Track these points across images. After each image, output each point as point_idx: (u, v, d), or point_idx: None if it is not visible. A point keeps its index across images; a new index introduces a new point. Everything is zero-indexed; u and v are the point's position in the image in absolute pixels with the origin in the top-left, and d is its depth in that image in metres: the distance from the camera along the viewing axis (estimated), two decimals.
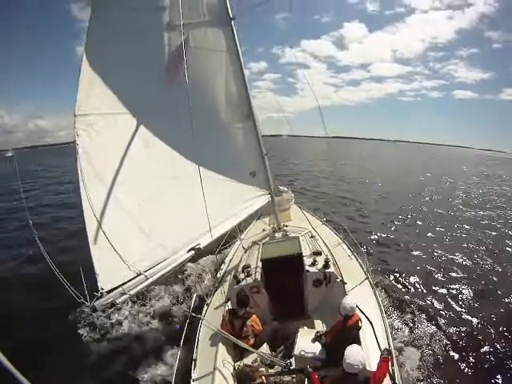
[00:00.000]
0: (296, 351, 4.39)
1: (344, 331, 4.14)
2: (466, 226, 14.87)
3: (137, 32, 4.80)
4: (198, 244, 4.71)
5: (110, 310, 3.51)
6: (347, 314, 4.16)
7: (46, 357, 6.02)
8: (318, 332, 4.57)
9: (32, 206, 18.82)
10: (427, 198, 21.26)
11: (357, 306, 4.34)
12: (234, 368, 4.27)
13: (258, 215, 9.04)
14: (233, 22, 5.73)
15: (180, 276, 8.51)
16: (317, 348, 4.37)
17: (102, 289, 3.50)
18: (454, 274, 9.62)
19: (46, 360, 5.93)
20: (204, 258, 8.99)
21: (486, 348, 6.31)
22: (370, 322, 4.42)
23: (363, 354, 3.37)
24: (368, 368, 3.40)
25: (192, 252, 4.61)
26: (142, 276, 3.92)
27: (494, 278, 9.47)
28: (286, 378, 4.18)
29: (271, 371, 4.24)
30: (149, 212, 4.63)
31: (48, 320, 7.02)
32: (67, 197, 21.89)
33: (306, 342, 4.49)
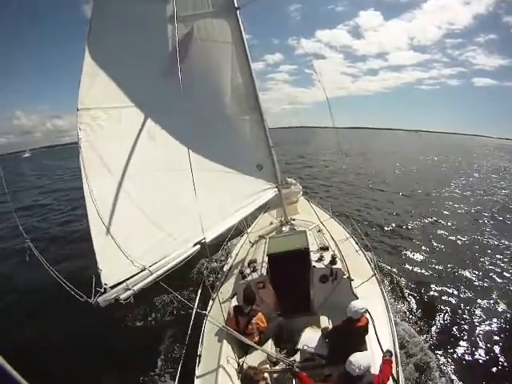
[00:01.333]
0: (299, 345, 4.46)
1: (348, 333, 4.07)
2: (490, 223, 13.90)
3: (139, 24, 4.71)
4: (204, 238, 4.65)
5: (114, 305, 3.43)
6: (351, 317, 4.08)
7: (49, 356, 6.07)
8: (325, 328, 4.54)
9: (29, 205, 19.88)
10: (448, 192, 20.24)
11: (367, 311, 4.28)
12: (239, 364, 4.26)
13: (265, 208, 8.94)
14: (238, 12, 5.61)
15: (185, 270, 8.51)
16: (320, 345, 4.38)
17: (106, 284, 3.45)
18: (469, 271, 9.19)
19: (49, 359, 5.99)
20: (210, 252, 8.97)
21: (497, 348, 6.07)
22: (374, 324, 4.33)
23: (368, 361, 3.27)
24: (373, 372, 3.33)
25: (198, 246, 4.53)
26: (147, 271, 3.87)
27: None
28: (290, 375, 4.18)
29: (276, 368, 4.25)
30: (154, 205, 4.57)
31: (48, 319, 7.22)
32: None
33: (310, 338, 4.52)
